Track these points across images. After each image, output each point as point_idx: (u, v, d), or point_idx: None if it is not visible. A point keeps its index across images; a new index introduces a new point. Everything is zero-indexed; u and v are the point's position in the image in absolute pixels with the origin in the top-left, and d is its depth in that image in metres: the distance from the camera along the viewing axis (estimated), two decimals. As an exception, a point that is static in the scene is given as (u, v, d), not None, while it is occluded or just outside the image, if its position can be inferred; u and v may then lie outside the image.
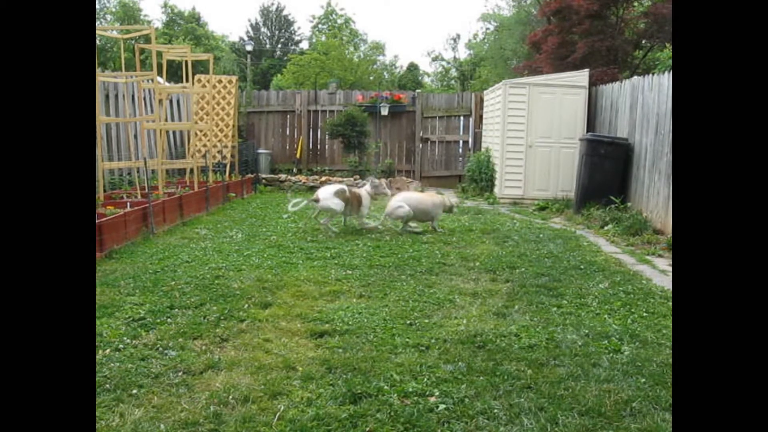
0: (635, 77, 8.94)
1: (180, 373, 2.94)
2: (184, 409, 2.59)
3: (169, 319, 3.70)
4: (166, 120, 10.80)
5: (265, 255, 5.58)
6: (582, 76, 10.30)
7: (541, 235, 6.98)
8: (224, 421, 2.49)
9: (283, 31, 45.00)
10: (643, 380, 2.94)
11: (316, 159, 13.86)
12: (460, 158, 13.65)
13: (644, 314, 4.06)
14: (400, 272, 5.05)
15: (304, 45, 41.37)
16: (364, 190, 7.20)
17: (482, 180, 11.15)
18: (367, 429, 2.46)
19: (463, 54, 38.27)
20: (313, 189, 11.66)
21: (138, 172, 8.78)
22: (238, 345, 3.33)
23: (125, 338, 3.35)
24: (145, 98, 10.35)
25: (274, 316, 3.83)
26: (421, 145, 13.63)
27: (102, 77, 8.93)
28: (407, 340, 3.43)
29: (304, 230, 6.98)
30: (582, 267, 5.39)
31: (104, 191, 7.63)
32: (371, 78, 26.93)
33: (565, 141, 10.15)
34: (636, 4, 13.90)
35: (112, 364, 3.00)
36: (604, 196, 8.38)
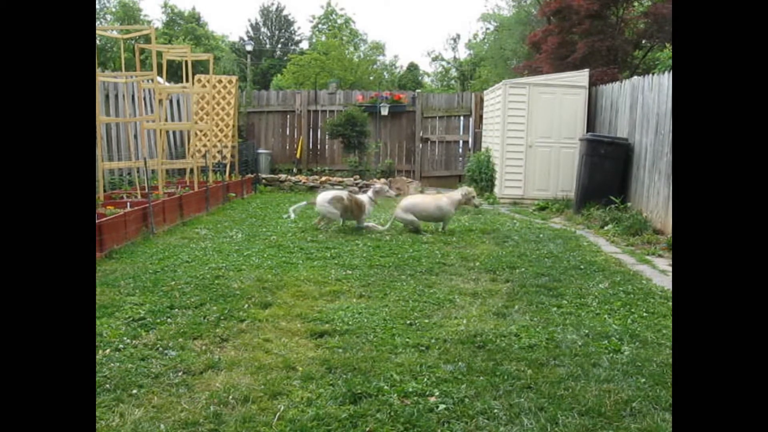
0: (635, 77, 8.94)
1: (180, 373, 2.94)
2: (184, 409, 2.59)
3: (169, 319, 3.70)
4: (166, 120, 10.80)
5: (265, 255, 5.58)
6: (582, 76, 10.31)
7: (541, 235, 6.98)
8: (224, 421, 2.49)
9: (283, 31, 44.99)
10: (643, 380, 2.94)
11: (316, 159, 13.86)
12: (460, 158, 13.65)
13: (644, 314, 4.06)
14: (400, 272, 5.05)
15: (304, 45, 41.40)
16: (367, 197, 7.20)
17: (482, 180, 11.16)
18: (367, 429, 2.46)
19: (463, 54, 38.31)
20: (313, 189, 11.68)
21: (138, 172, 8.78)
22: (238, 345, 3.33)
23: (125, 338, 3.35)
24: (145, 98, 10.35)
25: (274, 316, 3.83)
26: (421, 145, 13.63)
27: (102, 77, 8.93)
28: (407, 340, 3.43)
29: (304, 230, 6.98)
30: (582, 267, 5.39)
31: (104, 191, 7.63)
32: (371, 78, 26.93)
33: (565, 141, 10.15)
34: (636, 4, 13.91)
35: (112, 364, 2.99)
36: (604, 196, 8.38)
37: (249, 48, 31.82)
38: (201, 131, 10.89)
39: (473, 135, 13.38)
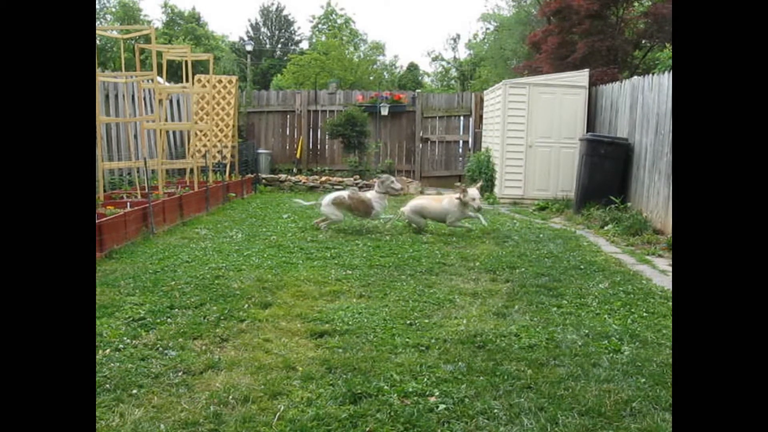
0: (635, 77, 8.94)
1: (180, 373, 2.94)
2: (184, 409, 2.59)
3: (169, 319, 3.70)
4: (166, 120, 10.80)
5: (265, 255, 5.58)
6: (582, 76, 10.30)
7: (541, 235, 6.98)
8: (224, 421, 2.49)
9: (283, 31, 45.00)
10: (643, 380, 2.94)
11: (316, 159, 13.86)
12: (460, 158, 13.65)
13: (644, 314, 4.06)
14: (400, 272, 5.05)
15: (304, 45, 41.41)
16: (373, 193, 7.06)
17: (482, 180, 11.15)
18: (367, 429, 2.46)
19: (463, 54, 38.32)
20: (313, 189, 11.68)
21: (138, 172, 8.78)
22: (238, 345, 3.33)
23: (125, 338, 3.35)
24: (145, 98, 10.35)
25: (274, 316, 3.83)
26: (421, 145, 13.63)
27: (102, 77, 8.93)
28: (407, 340, 3.43)
29: (304, 230, 6.98)
30: (582, 267, 5.39)
31: (104, 191, 7.63)
32: (371, 78, 26.93)
33: (565, 141, 10.15)
34: (636, 4, 13.91)
35: (112, 364, 2.99)
36: (604, 196, 8.38)
37: (249, 48, 31.85)
38: (201, 131, 10.89)
39: (473, 135, 13.38)
